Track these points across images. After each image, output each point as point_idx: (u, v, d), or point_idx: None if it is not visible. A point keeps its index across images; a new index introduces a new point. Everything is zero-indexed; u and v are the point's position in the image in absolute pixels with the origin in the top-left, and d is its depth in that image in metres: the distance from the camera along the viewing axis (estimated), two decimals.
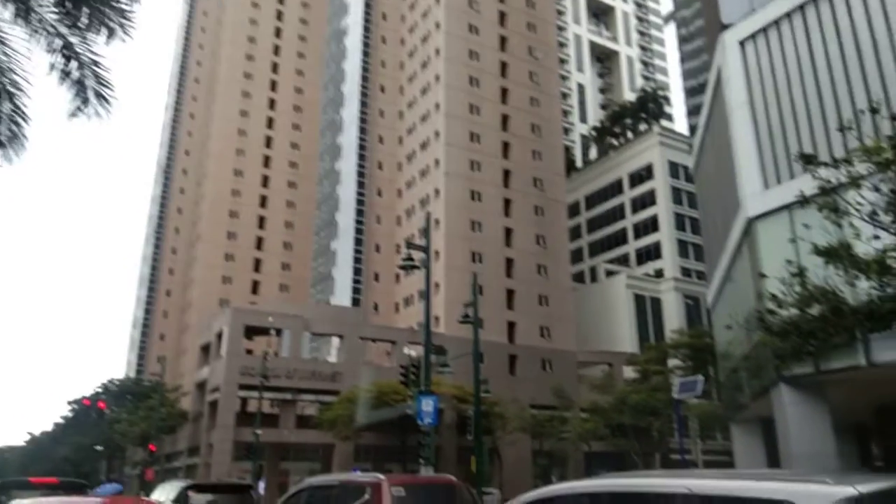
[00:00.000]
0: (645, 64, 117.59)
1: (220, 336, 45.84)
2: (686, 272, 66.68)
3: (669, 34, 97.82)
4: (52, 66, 6.15)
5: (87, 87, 6.27)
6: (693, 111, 27.26)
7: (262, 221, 78.96)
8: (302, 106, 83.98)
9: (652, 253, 69.19)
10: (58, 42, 6.09)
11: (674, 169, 69.29)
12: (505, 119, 60.57)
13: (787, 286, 9.96)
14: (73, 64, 6.19)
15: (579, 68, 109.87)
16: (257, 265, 77.49)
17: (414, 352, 34.16)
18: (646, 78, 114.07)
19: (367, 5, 70.41)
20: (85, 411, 59.14)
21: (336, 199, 68.54)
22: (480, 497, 14.61)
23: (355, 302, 60.47)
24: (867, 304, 9.12)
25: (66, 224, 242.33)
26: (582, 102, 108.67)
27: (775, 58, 17.47)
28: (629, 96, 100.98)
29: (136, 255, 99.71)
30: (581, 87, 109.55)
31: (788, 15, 17.24)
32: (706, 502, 3.16)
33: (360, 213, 63.73)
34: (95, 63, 6.23)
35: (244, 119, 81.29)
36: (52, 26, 6.06)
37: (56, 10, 6.10)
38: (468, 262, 52.89)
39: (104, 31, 6.25)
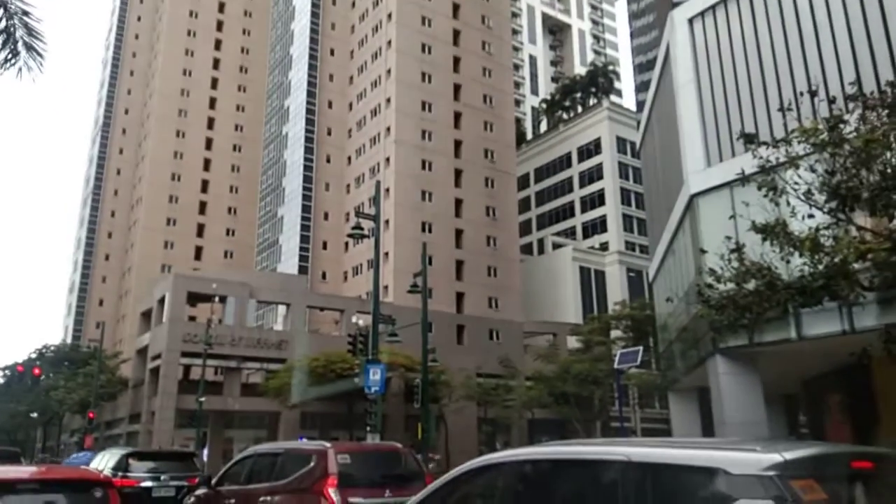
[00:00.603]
0: (596, 38, 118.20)
1: (162, 302, 44.78)
2: (630, 246, 68.23)
3: (621, 9, 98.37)
4: None
5: (17, 38, 5.92)
6: (641, 87, 27.66)
7: (205, 185, 76.74)
8: (248, 67, 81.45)
9: (598, 227, 70.44)
10: None
11: (621, 144, 70.31)
12: (457, 88, 60.15)
13: (726, 261, 10.29)
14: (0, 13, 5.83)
15: (531, 40, 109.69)
16: (200, 230, 75.52)
17: (362, 321, 34.11)
18: (597, 52, 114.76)
19: None
20: (19, 378, 57.09)
21: (283, 165, 67.15)
22: (426, 463, 14.83)
23: (302, 270, 59.78)
24: (799, 280, 9.49)
25: None
26: (534, 74, 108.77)
27: (722, 37, 17.79)
28: (580, 70, 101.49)
29: (73, 218, 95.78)
30: (533, 59, 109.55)
31: None
32: (643, 469, 3.26)
33: (307, 179, 62.65)
34: (25, 13, 5.89)
35: (187, 79, 78.38)
36: None
37: None
38: (418, 231, 52.79)
39: None
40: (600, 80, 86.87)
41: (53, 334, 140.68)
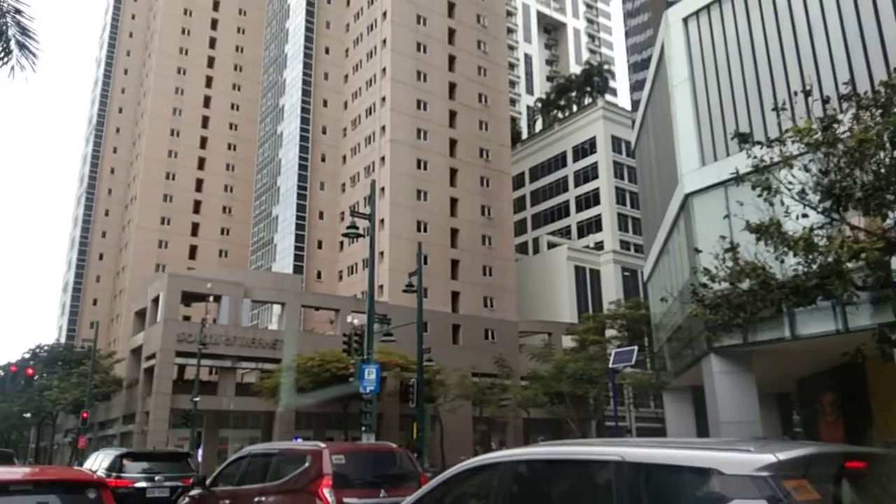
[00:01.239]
0: (591, 37, 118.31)
1: (156, 301, 44.62)
2: (625, 245, 68.36)
3: (616, 7, 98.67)
4: None
5: (9, 36, 5.89)
6: (636, 86, 27.64)
7: (199, 184, 76.49)
8: (242, 65, 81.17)
9: (593, 226, 70.53)
10: None
11: (616, 143, 70.41)
12: (452, 87, 60.16)
13: (720, 261, 10.31)
14: None
15: (527, 39, 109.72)
16: (195, 229, 75.24)
17: (357, 320, 34.10)
18: (592, 51, 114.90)
19: None
20: (12, 378, 56.75)
21: (278, 164, 67.00)
22: (421, 463, 14.83)
23: (297, 269, 59.68)
24: (793, 280, 9.51)
25: None
26: (529, 73, 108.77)
27: (717, 36, 17.83)
28: (575, 69, 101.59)
29: (67, 217, 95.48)
30: (528, 58, 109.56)
31: None
32: (637, 469, 3.26)
33: (302, 178, 62.53)
34: (18, 11, 5.85)
35: (181, 77, 78.07)
36: None
37: None
38: (413, 231, 52.78)
39: None
40: (595, 79, 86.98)
41: (47, 334, 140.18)
